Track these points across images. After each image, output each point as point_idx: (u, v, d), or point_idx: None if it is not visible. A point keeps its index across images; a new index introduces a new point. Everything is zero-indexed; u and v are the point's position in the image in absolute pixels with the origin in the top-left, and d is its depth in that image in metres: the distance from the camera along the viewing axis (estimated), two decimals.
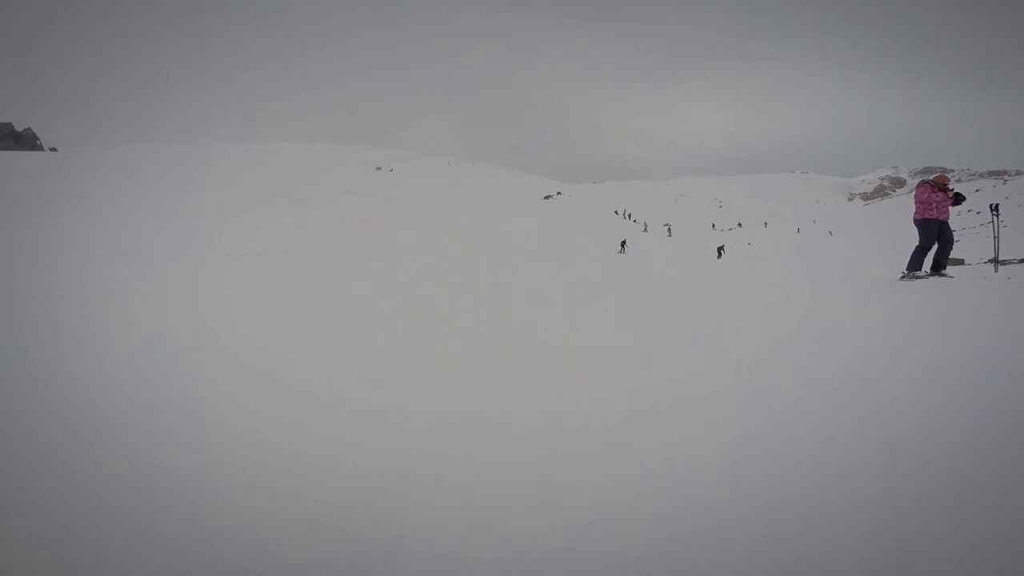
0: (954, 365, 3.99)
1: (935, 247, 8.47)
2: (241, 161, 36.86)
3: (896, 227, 42.39)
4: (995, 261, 9.97)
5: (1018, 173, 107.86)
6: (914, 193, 8.95)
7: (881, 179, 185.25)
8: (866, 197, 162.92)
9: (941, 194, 8.57)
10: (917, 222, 8.67)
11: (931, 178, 8.95)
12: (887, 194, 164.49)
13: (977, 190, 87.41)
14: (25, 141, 55.10)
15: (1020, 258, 19.65)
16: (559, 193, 62.27)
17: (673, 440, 3.41)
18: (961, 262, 20.01)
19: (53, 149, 41.04)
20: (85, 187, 14.68)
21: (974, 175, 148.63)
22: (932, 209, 8.49)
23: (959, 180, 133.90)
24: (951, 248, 8.66)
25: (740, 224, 67.18)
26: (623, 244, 25.37)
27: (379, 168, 56.77)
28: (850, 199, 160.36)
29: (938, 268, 8.42)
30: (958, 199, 8.79)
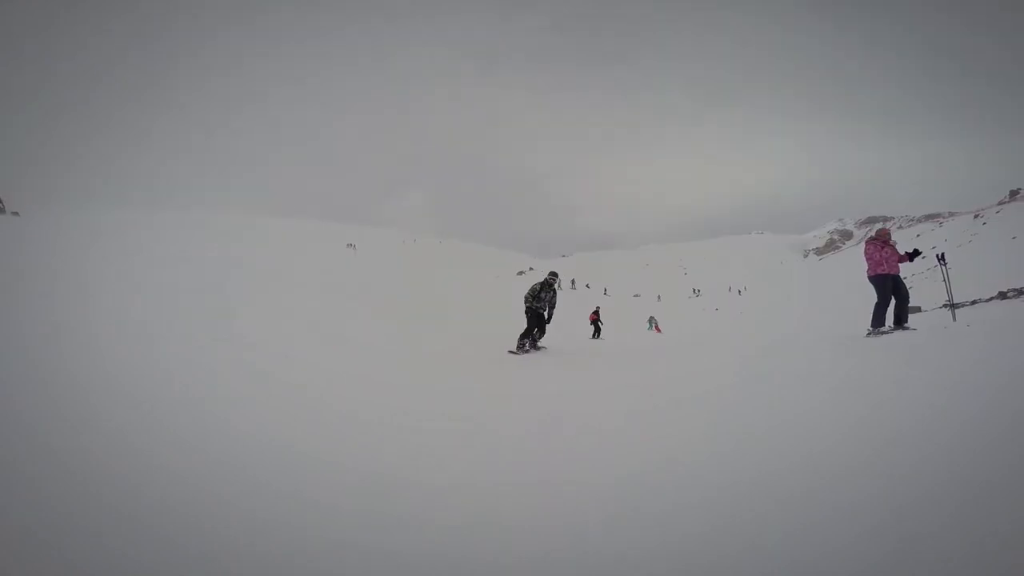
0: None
1: (893, 301, 8.57)
2: (216, 232, 35.96)
3: (851, 280, 43.15)
4: (950, 306, 10.21)
5: (951, 215, 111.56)
6: (863, 251, 9.08)
7: (831, 233, 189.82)
8: (820, 252, 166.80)
9: (888, 248, 8.72)
10: (871, 279, 8.79)
11: (874, 233, 9.12)
12: (838, 247, 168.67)
13: (918, 235, 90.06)
14: None
15: (971, 300, 20.09)
16: (531, 269, 63.16)
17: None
18: (918, 309, 20.40)
19: (15, 213, 39.30)
20: (49, 256, 14.19)
21: (912, 220, 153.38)
22: (883, 265, 8.62)
23: (899, 227, 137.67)
24: (908, 300, 8.78)
25: (696, 291, 66.76)
26: (597, 328, 21.97)
27: (351, 245, 55.11)
28: (805, 255, 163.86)
29: (900, 322, 8.49)
30: (914, 255, 8.96)
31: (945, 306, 11.00)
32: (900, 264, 8.76)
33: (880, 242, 8.82)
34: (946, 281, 10.07)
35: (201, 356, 6.04)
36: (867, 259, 8.84)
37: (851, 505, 2.26)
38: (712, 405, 4.15)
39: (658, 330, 26.98)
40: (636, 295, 56.95)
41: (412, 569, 2.13)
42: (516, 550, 2.24)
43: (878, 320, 8.45)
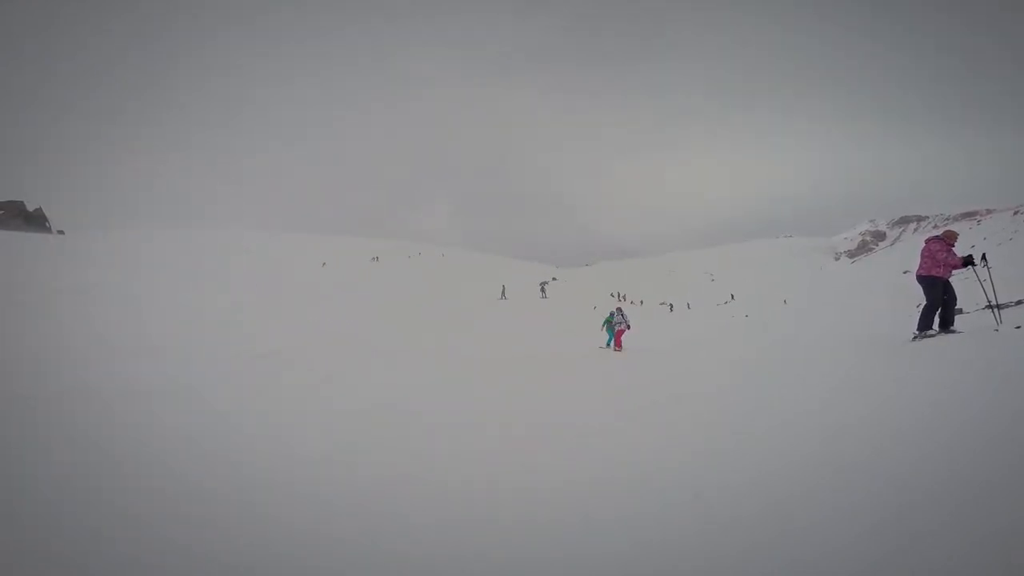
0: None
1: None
2: (242, 250, 36.95)
3: (887, 283, 41.66)
4: (994, 307, 9.83)
5: (988, 212, 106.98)
6: (922, 248, 8.66)
7: (862, 235, 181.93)
8: (851, 255, 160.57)
9: (952, 254, 8.34)
10: (921, 279, 8.41)
11: (941, 234, 8.72)
12: (871, 249, 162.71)
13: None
14: (34, 222, 54.48)
15: (1016, 300, 19.29)
16: (554, 279, 60.70)
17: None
18: (960, 311, 19.56)
19: (60, 232, 41.28)
20: (94, 276, 14.80)
21: (948, 219, 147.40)
22: (940, 267, 8.28)
23: (935, 226, 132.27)
24: (955, 303, 8.46)
25: (733, 296, 61.79)
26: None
27: (375, 258, 55.10)
28: (836, 258, 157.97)
29: (946, 325, 8.08)
30: (967, 262, 8.60)
31: (988, 307, 10.66)
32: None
33: (947, 244, 8.49)
34: (989, 281, 9.72)
35: (242, 372, 6.29)
36: (925, 257, 8.45)
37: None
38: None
39: (618, 345, 15.04)
40: (663, 303, 53.65)
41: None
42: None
43: (925, 323, 8.12)
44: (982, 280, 9.76)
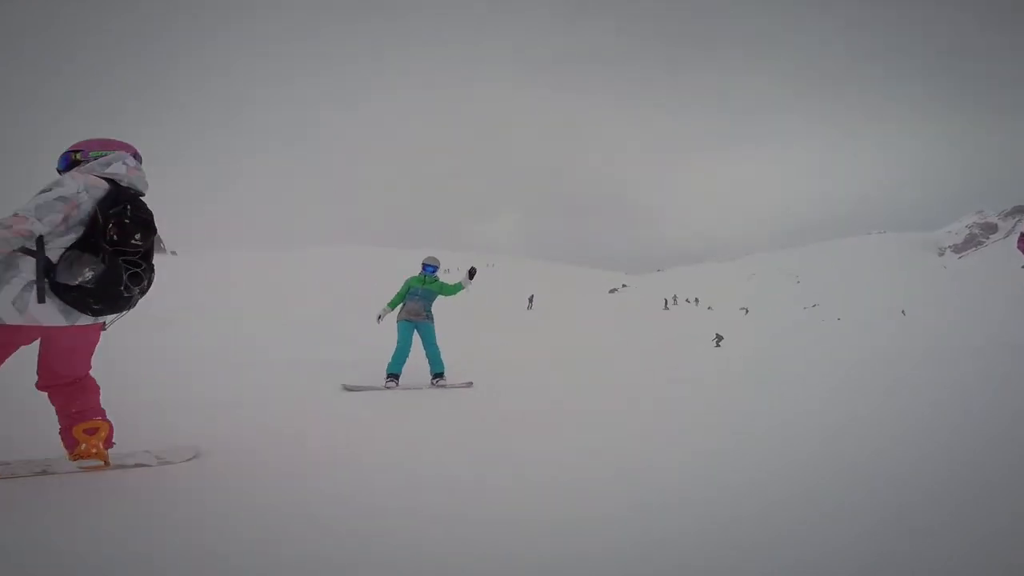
0: None
1: None
2: (333, 267, 38.44)
3: (1005, 281, 37.54)
4: None
5: None
6: (1018, 246, 8.21)
7: (969, 227, 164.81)
8: (958, 250, 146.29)
9: None
10: None
11: None
12: (980, 243, 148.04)
13: None
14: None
15: None
16: (624, 286, 58.96)
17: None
18: None
19: (174, 252, 45.26)
20: (206, 293, 16.03)
21: None
22: None
23: None
24: None
25: (815, 305, 55.95)
26: None
27: (446, 271, 55.70)
28: (940, 254, 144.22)
29: None
30: None
31: None
32: None
33: None
34: None
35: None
36: None
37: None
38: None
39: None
40: (744, 308, 50.55)
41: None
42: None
43: None
44: None
